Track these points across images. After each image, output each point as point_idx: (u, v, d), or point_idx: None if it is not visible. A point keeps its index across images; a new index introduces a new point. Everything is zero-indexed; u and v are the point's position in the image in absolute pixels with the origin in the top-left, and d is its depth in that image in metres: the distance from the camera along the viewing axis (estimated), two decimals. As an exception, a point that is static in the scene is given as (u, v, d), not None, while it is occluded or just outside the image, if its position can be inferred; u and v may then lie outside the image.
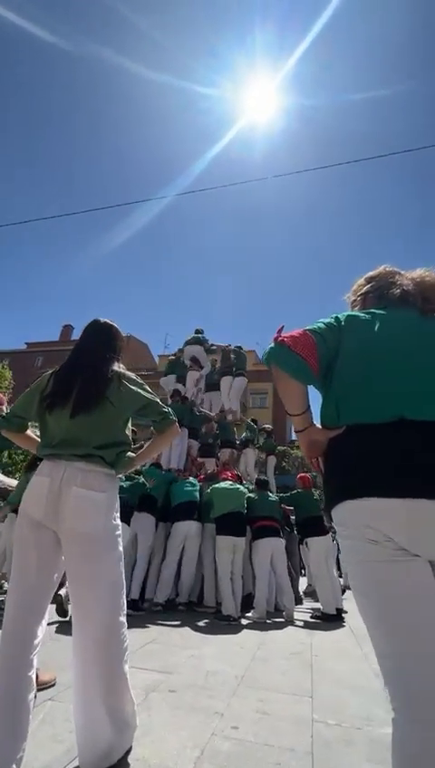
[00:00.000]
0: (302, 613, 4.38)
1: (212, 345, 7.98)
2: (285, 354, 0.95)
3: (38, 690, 1.68)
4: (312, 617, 4.24)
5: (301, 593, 5.32)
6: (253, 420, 7.57)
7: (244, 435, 7.01)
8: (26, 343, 34.93)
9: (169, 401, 6.68)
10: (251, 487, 5.12)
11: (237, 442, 6.94)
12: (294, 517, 5.02)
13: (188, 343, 7.90)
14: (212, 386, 7.51)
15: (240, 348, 7.65)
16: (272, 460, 7.32)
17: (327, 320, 1.04)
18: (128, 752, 1.36)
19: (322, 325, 1.01)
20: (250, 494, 4.65)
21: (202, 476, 5.13)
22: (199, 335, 7.95)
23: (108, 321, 1.64)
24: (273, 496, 4.70)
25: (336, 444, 0.96)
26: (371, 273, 1.18)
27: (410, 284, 1.05)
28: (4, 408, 2.23)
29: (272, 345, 0.98)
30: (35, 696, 1.32)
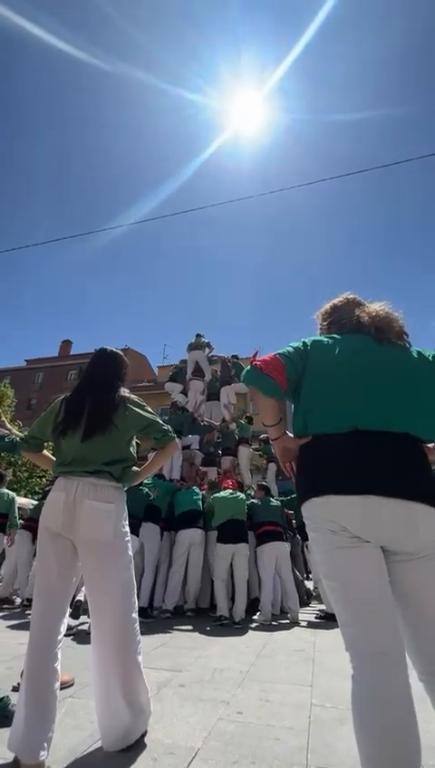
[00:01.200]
0: (307, 614, 4.51)
1: (213, 356, 8.20)
2: (257, 375, 1.15)
3: (60, 689, 1.85)
4: (316, 617, 4.37)
5: (310, 592, 5.41)
6: (247, 418, 7.53)
7: (235, 432, 7.06)
8: (26, 360, 35.18)
9: (169, 413, 6.89)
10: (252, 493, 5.28)
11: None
12: (295, 521, 5.17)
13: (191, 348, 8.07)
14: (212, 396, 7.72)
15: (236, 357, 7.89)
16: (272, 467, 7.40)
17: (295, 344, 1.24)
18: (144, 734, 1.53)
19: (290, 349, 1.21)
20: (253, 500, 4.81)
21: (204, 485, 5.29)
22: (201, 339, 8.15)
23: (114, 349, 1.84)
24: (275, 501, 4.84)
25: (304, 451, 1.16)
26: (335, 302, 1.39)
27: (366, 317, 1.25)
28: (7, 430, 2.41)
29: (247, 368, 1.19)
30: (59, 689, 1.50)
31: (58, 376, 31.16)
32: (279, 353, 1.19)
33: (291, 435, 1.25)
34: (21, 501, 10.59)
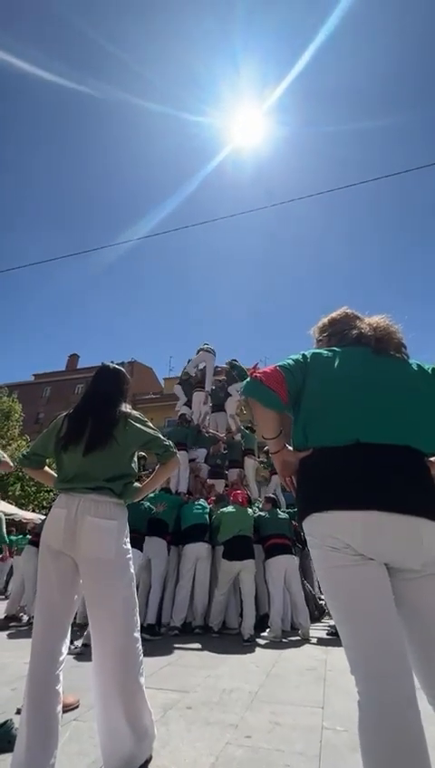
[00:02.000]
0: (318, 630, 4.40)
1: (218, 367, 8.22)
2: (258, 388, 1.13)
3: (63, 712, 1.81)
4: (328, 633, 4.25)
5: (322, 607, 5.26)
6: (248, 428, 7.38)
7: (241, 443, 6.97)
8: (34, 375, 35.58)
9: (176, 425, 6.89)
10: (260, 506, 5.21)
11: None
12: (303, 533, 5.07)
13: (200, 350, 8.10)
14: (218, 406, 7.70)
15: (235, 360, 7.93)
16: (275, 479, 7.31)
17: (295, 356, 1.23)
18: (148, 760, 1.49)
19: (290, 362, 1.20)
20: (260, 513, 4.75)
21: (211, 498, 5.23)
22: (209, 346, 8.19)
23: (115, 366, 1.85)
24: (283, 514, 4.77)
25: (304, 464, 1.14)
26: (333, 315, 1.38)
27: (367, 328, 1.25)
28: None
29: (247, 380, 1.18)
30: (62, 713, 1.46)
31: (65, 390, 31.40)
32: (279, 365, 1.18)
33: (291, 448, 1.23)
34: (29, 516, 10.63)
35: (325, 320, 1.40)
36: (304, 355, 1.23)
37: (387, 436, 1.04)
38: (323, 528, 1.03)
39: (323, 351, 1.23)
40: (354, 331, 1.26)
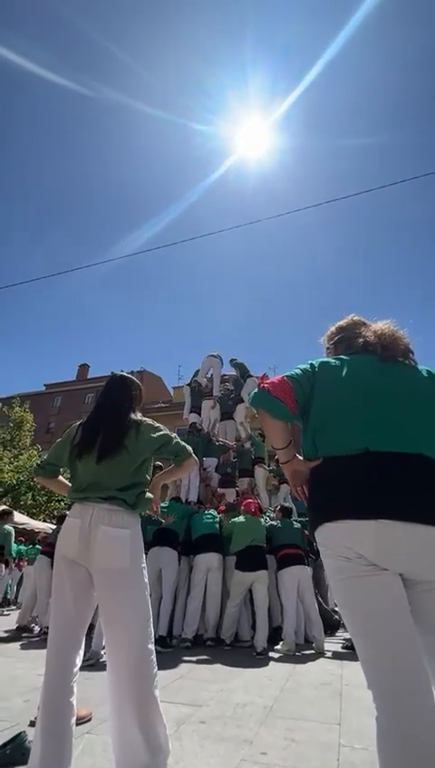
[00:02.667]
0: (333, 644, 4.30)
1: (225, 375, 8.24)
2: (265, 398, 1.14)
3: (77, 724, 1.80)
4: (343, 647, 4.15)
5: (337, 621, 5.14)
6: (260, 435, 7.35)
7: (251, 452, 6.92)
8: (45, 385, 36.06)
9: (186, 433, 6.90)
10: (272, 515, 5.15)
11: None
12: (316, 543, 4.98)
13: (207, 357, 8.15)
14: (226, 414, 7.69)
15: (234, 359, 8.02)
16: (285, 487, 7.21)
17: (303, 366, 1.23)
18: (162, 776, 1.46)
19: (298, 371, 1.21)
20: (272, 522, 4.69)
21: (222, 507, 5.19)
22: (216, 352, 8.25)
23: (126, 374, 1.87)
24: (296, 523, 4.70)
25: (315, 474, 1.13)
26: (340, 323, 1.38)
27: (372, 335, 1.24)
28: None
29: (255, 390, 1.18)
30: (75, 725, 1.45)
31: (76, 399, 31.74)
32: (287, 375, 1.19)
33: (301, 458, 1.22)
34: (39, 525, 10.68)
35: (333, 328, 1.40)
36: (311, 364, 1.23)
37: (398, 443, 1.03)
38: (334, 538, 1.01)
39: (331, 360, 1.23)
40: (360, 339, 1.26)
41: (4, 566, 6.00)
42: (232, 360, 8.07)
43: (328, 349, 1.39)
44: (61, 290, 67.69)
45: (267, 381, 1.17)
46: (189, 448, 1.77)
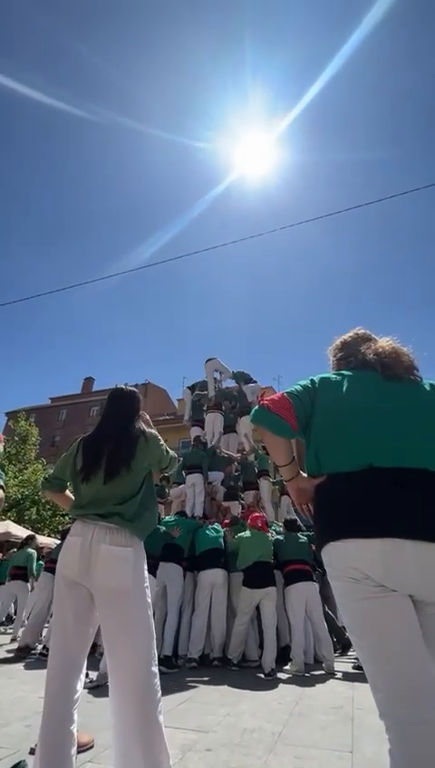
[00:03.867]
0: (344, 664, 4.16)
1: (227, 388, 8.22)
2: (266, 415, 1.13)
3: (78, 752, 1.74)
4: (354, 667, 4.02)
5: (349, 641, 4.99)
6: (263, 448, 7.44)
7: (255, 464, 6.85)
8: (50, 398, 36.23)
9: (191, 446, 6.86)
10: (278, 529, 5.05)
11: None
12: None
13: (207, 360, 8.12)
14: (229, 427, 7.64)
15: (235, 372, 8.00)
16: (286, 500, 7.01)
17: (303, 382, 1.23)
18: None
19: (299, 387, 1.20)
20: (278, 537, 4.59)
21: (226, 521, 5.09)
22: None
23: (127, 389, 1.87)
24: (303, 538, 4.59)
25: (319, 491, 1.11)
26: (344, 338, 1.38)
27: (372, 353, 1.23)
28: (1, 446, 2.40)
29: (256, 408, 1.17)
30: (76, 754, 1.40)
31: (81, 412, 31.83)
32: (287, 392, 1.18)
33: (305, 475, 1.20)
34: (44, 540, 10.58)
35: (338, 342, 1.39)
36: (312, 380, 1.23)
37: (401, 459, 1.01)
38: (341, 558, 0.98)
39: (332, 376, 1.23)
40: (360, 356, 1.25)
41: (28, 585, 6.34)
42: (234, 373, 8.05)
43: (332, 363, 1.38)
44: (66, 304, 68.71)
45: (267, 398, 1.16)
46: (175, 462, 1.78)
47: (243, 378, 7.86)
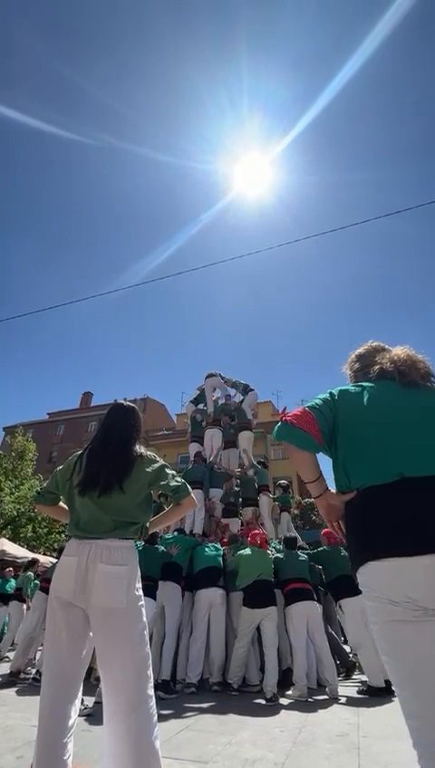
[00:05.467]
0: (348, 688, 4.02)
1: (227, 403, 8.19)
2: (290, 430, 1.10)
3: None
4: (359, 691, 3.88)
5: (353, 663, 4.81)
6: (260, 463, 7.23)
7: (254, 480, 6.77)
8: (48, 413, 36.06)
9: (191, 462, 6.80)
10: (279, 546, 4.96)
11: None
12: (324, 577, 4.75)
13: (207, 376, 8.09)
14: (229, 443, 7.59)
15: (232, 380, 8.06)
16: (286, 516, 6.92)
17: (323, 395, 1.21)
18: None
19: (319, 401, 1.18)
20: (278, 555, 4.49)
21: (225, 539, 5.00)
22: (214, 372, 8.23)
23: (127, 404, 1.85)
24: (303, 555, 4.49)
25: (351, 507, 1.07)
26: (359, 351, 1.38)
27: (388, 362, 1.23)
28: None
29: (279, 424, 1.14)
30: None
31: (79, 427, 31.65)
32: (308, 406, 1.15)
33: (333, 491, 1.16)
34: (39, 558, 10.37)
35: (353, 355, 1.39)
36: (331, 393, 1.21)
37: (432, 467, 0.98)
38: (380, 579, 0.93)
39: (350, 388, 1.21)
40: (377, 367, 1.24)
41: (24, 605, 6.47)
42: (231, 382, 8.07)
43: (350, 377, 1.37)
44: (65, 319, 69.09)
45: (289, 414, 1.14)
46: (188, 489, 1.71)
47: (242, 387, 7.89)
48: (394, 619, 0.90)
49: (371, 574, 0.96)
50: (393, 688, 0.91)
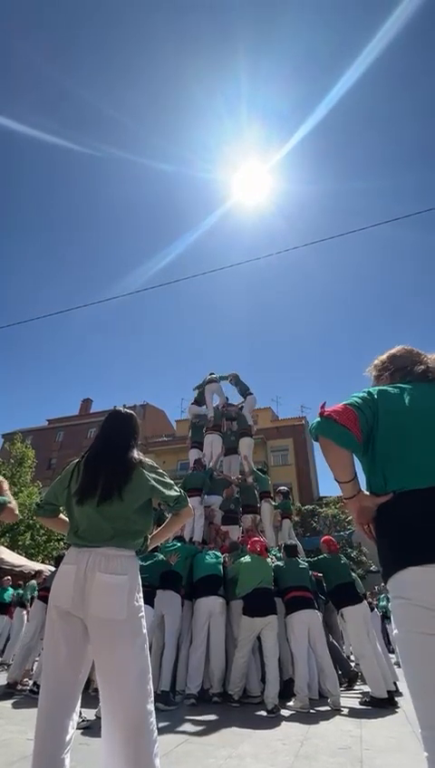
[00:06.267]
0: (350, 698, 3.96)
1: (227, 409, 8.17)
2: (331, 426, 1.06)
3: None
4: (361, 702, 3.82)
5: (355, 673, 4.73)
6: (260, 470, 7.21)
7: (255, 486, 6.73)
8: (47, 420, 35.98)
9: (191, 469, 6.77)
10: (279, 554, 4.91)
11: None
12: (326, 585, 4.70)
13: (206, 382, 8.04)
14: (230, 449, 7.56)
15: (232, 377, 8.06)
16: (287, 523, 6.84)
17: (361, 394, 1.17)
18: None
19: (359, 399, 1.13)
20: (278, 563, 4.45)
21: (225, 546, 4.96)
22: (214, 375, 8.16)
23: (125, 411, 1.84)
24: (303, 563, 4.44)
25: (387, 511, 1.03)
26: (392, 352, 1.34)
27: (432, 363, 1.21)
28: (7, 492, 2.27)
29: (318, 419, 1.10)
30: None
31: (78, 434, 31.55)
32: (349, 403, 1.11)
33: (367, 492, 1.13)
34: (38, 567, 10.30)
35: (383, 357, 1.35)
36: (369, 392, 1.17)
37: None
38: (418, 587, 0.89)
39: (389, 388, 1.17)
40: (421, 367, 1.21)
41: (24, 612, 6.60)
42: (231, 379, 8.04)
43: (379, 377, 1.33)
44: (64, 325, 69.23)
45: (330, 409, 1.09)
46: (186, 499, 1.70)
47: (242, 387, 7.87)
48: (424, 632, 0.87)
49: (405, 582, 0.92)
50: (412, 700, 0.88)
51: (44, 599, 4.81)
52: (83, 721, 2.89)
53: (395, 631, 0.96)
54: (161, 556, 4.26)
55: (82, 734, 2.71)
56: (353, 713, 3.51)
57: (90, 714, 2.99)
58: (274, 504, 6.88)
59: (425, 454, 1.01)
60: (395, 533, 1.01)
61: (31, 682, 4.61)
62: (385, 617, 7.59)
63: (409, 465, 1.02)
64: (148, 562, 4.07)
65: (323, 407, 1.11)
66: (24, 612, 6.50)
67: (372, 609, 5.85)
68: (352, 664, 4.93)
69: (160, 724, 1.39)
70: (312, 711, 3.53)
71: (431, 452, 1.01)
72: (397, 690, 3.98)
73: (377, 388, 1.19)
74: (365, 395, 1.15)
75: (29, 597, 6.56)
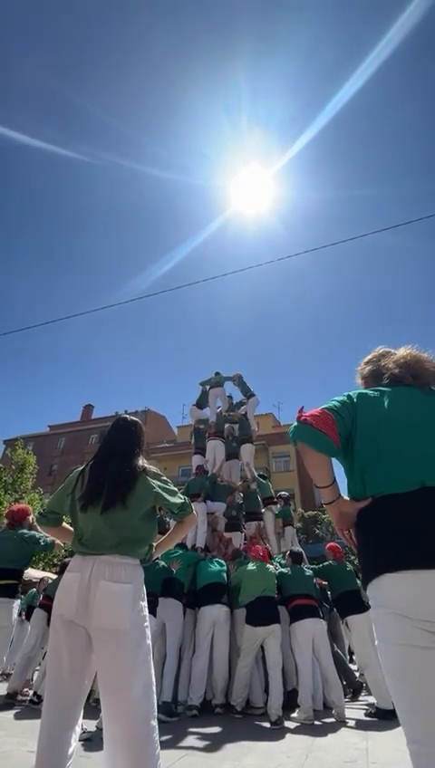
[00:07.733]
0: (356, 710, 3.88)
1: (228, 415, 8.15)
2: (308, 431, 1.05)
3: None
4: (366, 714, 3.74)
5: (359, 684, 4.64)
6: (262, 476, 7.18)
7: (257, 493, 6.67)
8: (49, 426, 35.97)
9: (193, 474, 6.73)
10: (282, 561, 4.86)
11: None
12: (330, 592, 4.64)
13: (211, 386, 7.98)
14: (231, 455, 7.52)
15: (234, 378, 8.02)
16: (290, 530, 6.77)
17: (341, 398, 1.16)
18: None
19: (337, 403, 1.13)
20: (282, 570, 4.39)
21: (228, 554, 4.91)
22: (220, 376, 8.09)
23: (130, 418, 1.82)
24: (308, 571, 4.38)
25: (366, 516, 1.02)
26: (368, 357, 1.35)
27: (394, 365, 1.20)
28: (35, 525, 2.26)
29: (295, 424, 1.09)
30: None
31: (80, 440, 31.52)
32: (327, 408, 1.11)
33: (347, 498, 1.12)
34: (38, 575, 10.24)
35: (362, 363, 1.36)
36: (349, 396, 1.17)
37: None
38: (395, 593, 0.88)
39: (369, 392, 1.17)
40: (387, 372, 1.21)
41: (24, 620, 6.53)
42: (234, 379, 8.02)
43: (364, 381, 1.34)
44: (65, 332, 69.56)
45: (307, 414, 1.09)
46: (190, 506, 1.68)
47: (244, 388, 7.83)
48: (407, 643, 0.84)
49: (384, 588, 0.90)
50: (399, 716, 0.86)
51: (44, 606, 4.76)
52: (84, 732, 2.84)
53: (377, 641, 0.93)
54: (163, 563, 4.21)
55: (84, 746, 2.67)
56: (359, 725, 3.44)
57: (91, 725, 2.94)
58: (275, 512, 6.82)
59: (401, 459, 1.00)
60: (373, 539, 0.99)
61: (31, 692, 4.55)
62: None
63: (386, 469, 1.00)
64: (149, 569, 3.98)
65: (301, 411, 1.11)
66: (24, 619, 6.36)
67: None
68: (356, 674, 4.84)
69: (162, 737, 1.36)
70: (316, 723, 3.46)
71: (408, 456, 0.99)
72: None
73: (357, 391, 1.19)
74: (344, 398, 1.15)
75: (26, 606, 6.42)
